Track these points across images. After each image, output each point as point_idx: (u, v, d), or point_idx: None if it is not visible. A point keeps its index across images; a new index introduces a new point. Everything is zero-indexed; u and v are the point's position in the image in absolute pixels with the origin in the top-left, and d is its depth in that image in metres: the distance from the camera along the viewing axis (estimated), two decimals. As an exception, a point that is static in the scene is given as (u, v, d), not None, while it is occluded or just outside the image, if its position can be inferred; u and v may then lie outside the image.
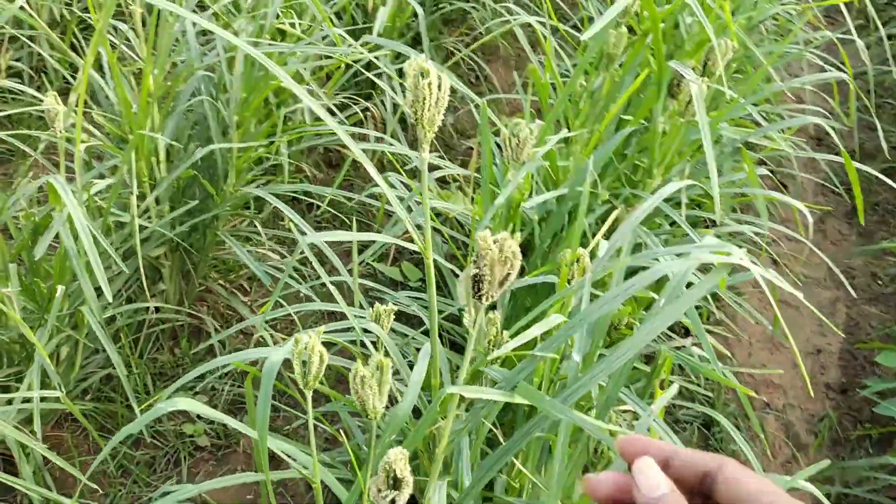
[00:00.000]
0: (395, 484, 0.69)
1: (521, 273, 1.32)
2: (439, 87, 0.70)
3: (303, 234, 1.44)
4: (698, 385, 1.77)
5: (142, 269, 1.40)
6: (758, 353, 2.01)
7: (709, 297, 1.57)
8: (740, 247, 0.93)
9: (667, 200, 1.52)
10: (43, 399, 1.24)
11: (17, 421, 1.33)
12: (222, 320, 1.82)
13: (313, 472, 0.79)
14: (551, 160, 1.38)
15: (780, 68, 2.27)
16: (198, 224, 1.69)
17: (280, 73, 0.84)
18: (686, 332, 1.76)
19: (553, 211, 1.33)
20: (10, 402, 1.23)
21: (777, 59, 1.99)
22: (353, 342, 1.17)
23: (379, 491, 0.70)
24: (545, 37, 1.64)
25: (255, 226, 1.83)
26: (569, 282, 1.11)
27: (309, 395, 0.77)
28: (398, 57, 2.14)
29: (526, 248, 1.53)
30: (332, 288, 1.15)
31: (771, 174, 2.04)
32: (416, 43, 2.45)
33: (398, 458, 0.69)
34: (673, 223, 1.64)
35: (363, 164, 0.82)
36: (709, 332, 1.86)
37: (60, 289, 1.30)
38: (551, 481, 0.92)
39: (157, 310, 1.72)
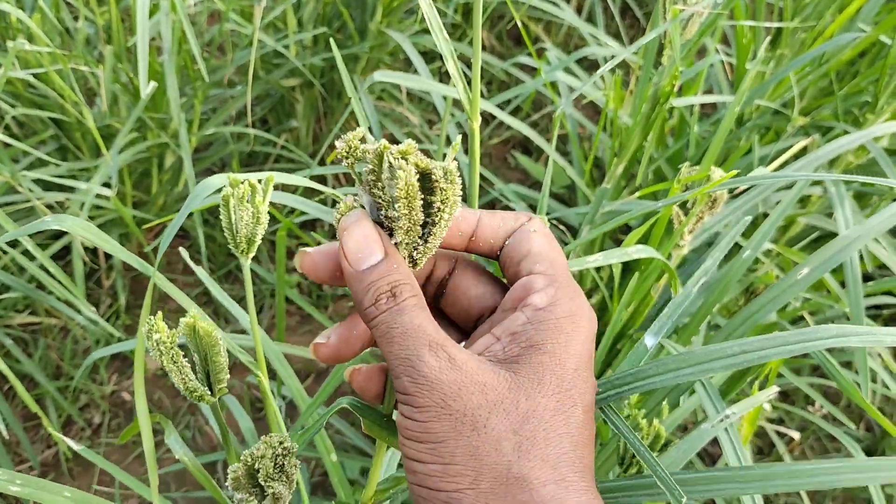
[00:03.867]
0: (259, 489, 0.44)
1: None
2: None
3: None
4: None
5: (249, 86, 1.27)
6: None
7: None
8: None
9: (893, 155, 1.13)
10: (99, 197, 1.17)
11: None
12: (347, 181, 1.68)
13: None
14: (739, 60, 1.04)
15: None
16: (335, 61, 1.53)
17: None
18: None
19: (719, 121, 1.01)
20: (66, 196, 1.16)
21: None
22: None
23: (235, 485, 0.44)
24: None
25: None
26: (685, 211, 0.81)
27: (245, 262, 0.56)
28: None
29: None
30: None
31: None
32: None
33: (267, 454, 0.42)
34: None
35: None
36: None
37: (151, 84, 1.19)
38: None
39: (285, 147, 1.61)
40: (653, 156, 1.12)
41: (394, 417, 0.43)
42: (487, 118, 1.86)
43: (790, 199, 0.86)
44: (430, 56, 1.81)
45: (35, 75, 1.17)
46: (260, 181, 0.55)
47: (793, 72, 1.03)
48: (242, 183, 0.53)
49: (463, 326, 0.42)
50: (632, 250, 0.70)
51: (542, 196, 0.78)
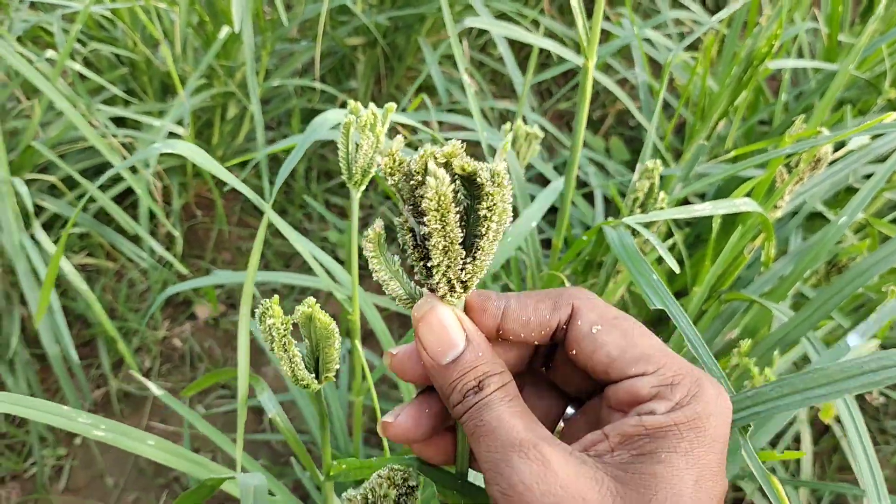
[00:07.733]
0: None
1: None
2: None
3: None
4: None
5: (319, 37, 1.26)
6: None
7: None
8: None
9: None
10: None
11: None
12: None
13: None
14: (832, 29, 1.02)
15: None
16: (400, 22, 1.52)
17: None
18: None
19: (810, 89, 0.99)
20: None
21: None
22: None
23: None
24: None
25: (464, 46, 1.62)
26: (789, 171, 0.80)
27: (355, 193, 0.56)
28: None
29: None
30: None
31: None
32: None
33: (390, 494, 0.38)
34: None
35: None
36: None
37: (225, 29, 1.19)
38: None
39: (344, 104, 1.60)
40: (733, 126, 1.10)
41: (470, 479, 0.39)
42: (542, 93, 1.84)
43: (887, 168, 0.85)
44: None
45: (112, 11, 1.17)
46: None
47: (884, 44, 1.01)
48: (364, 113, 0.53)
49: (574, 396, 0.38)
50: (739, 202, 0.69)
51: (644, 147, 0.77)
